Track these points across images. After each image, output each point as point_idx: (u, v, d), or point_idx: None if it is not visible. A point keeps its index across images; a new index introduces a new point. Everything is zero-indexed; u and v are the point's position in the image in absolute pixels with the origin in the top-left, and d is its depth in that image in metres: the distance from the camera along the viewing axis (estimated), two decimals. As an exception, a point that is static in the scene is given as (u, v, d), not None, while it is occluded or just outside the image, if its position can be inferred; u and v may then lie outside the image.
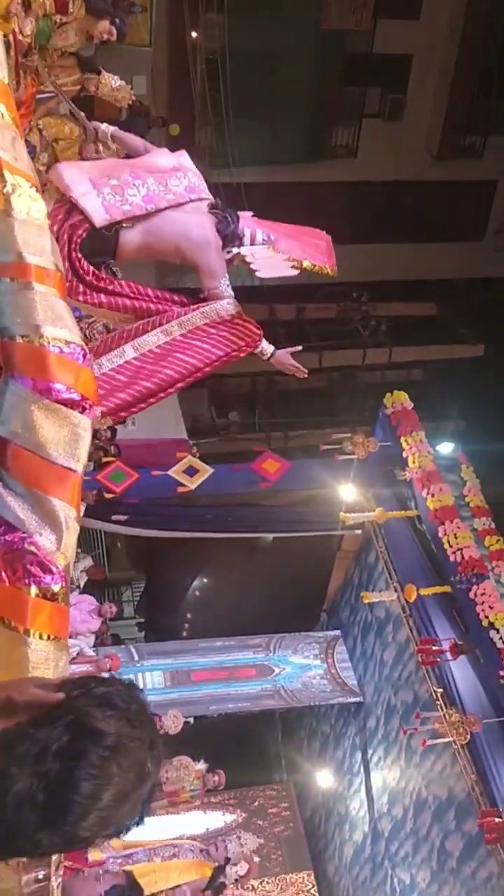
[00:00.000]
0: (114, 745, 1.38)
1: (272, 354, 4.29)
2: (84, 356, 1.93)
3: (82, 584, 10.02)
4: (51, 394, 1.88)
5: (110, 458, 9.69)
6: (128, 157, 4.77)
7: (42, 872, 2.08)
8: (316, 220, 4.74)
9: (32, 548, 1.88)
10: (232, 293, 4.18)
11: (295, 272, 4.24)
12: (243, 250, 4.21)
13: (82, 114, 4.74)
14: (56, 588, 1.91)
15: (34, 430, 1.87)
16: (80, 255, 3.87)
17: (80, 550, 10.47)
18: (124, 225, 3.94)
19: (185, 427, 11.91)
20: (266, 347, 4.26)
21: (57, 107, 7.09)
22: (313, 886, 10.86)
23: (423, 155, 15.46)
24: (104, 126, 4.36)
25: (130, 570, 15.13)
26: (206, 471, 9.78)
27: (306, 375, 4.49)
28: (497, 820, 7.36)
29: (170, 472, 9.71)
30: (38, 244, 1.94)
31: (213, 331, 4.09)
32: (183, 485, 9.67)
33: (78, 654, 8.87)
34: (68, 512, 1.91)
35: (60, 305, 1.95)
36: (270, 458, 10.20)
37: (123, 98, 7.38)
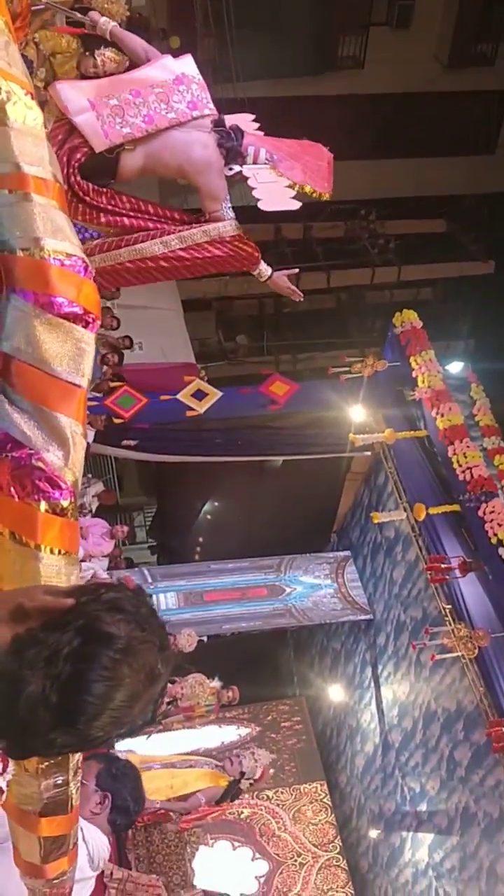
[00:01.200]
0: (124, 648, 1.41)
1: (269, 276, 4.23)
2: (85, 269, 1.89)
3: (94, 509, 10.11)
4: (53, 308, 1.84)
5: (118, 384, 9.67)
6: (130, 67, 4.61)
7: (61, 778, 2.14)
8: (322, 135, 4.60)
9: (40, 464, 1.88)
10: (233, 215, 4.12)
11: (297, 205, 4.18)
12: (245, 169, 4.12)
13: (78, 14, 4.58)
14: (65, 503, 1.91)
15: (37, 346, 1.84)
16: (79, 179, 3.81)
17: (90, 476, 10.54)
18: (126, 147, 3.86)
19: (192, 351, 11.83)
20: (264, 269, 4.23)
21: (53, 19, 6.84)
22: (326, 796, 11.25)
23: (433, 64, 14.93)
24: (103, 19, 4.21)
25: (142, 494, 15.24)
26: (215, 394, 9.77)
27: (301, 298, 4.48)
28: (504, 730, 7.55)
29: (178, 397, 9.71)
30: (35, 154, 1.88)
31: (212, 249, 4.05)
32: (192, 409, 9.68)
33: (92, 577, 8.99)
34: (74, 427, 1.90)
35: (60, 217, 1.90)
36: (279, 381, 10.17)
37: (117, 12, 7.12)
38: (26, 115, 1.88)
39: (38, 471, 1.87)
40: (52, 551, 1.90)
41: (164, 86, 3.93)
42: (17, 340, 1.86)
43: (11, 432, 1.88)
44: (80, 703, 1.39)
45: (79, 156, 3.76)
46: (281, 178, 4.12)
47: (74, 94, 3.78)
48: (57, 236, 1.87)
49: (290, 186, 4.12)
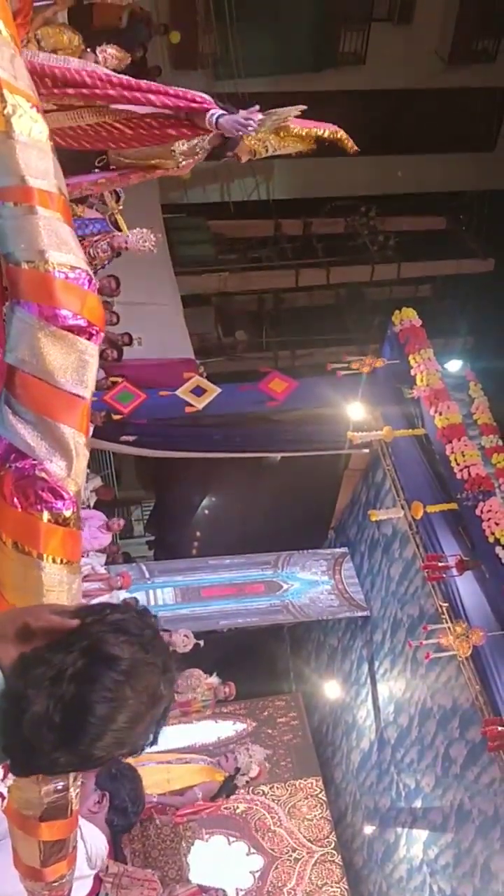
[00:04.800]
0: (128, 670, 1.43)
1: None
2: (90, 281, 1.91)
3: (92, 505, 10.12)
4: (57, 320, 1.86)
5: (117, 379, 9.67)
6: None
7: (61, 783, 2.16)
8: (322, 131, 4.60)
9: (43, 474, 1.89)
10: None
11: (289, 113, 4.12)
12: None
13: None
14: (67, 513, 1.92)
15: (41, 357, 1.86)
16: None
17: (89, 471, 10.52)
18: None
19: (191, 346, 11.83)
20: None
21: (55, 16, 6.84)
22: (321, 791, 11.29)
23: (434, 60, 14.91)
24: None
25: (140, 489, 15.26)
26: (214, 391, 9.77)
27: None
28: (500, 728, 7.58)
29: (177, 393, 9.71)
30: (40, 167, 1.89)
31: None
32: (190, 405, 9.69)
33: (90, 572, 9.01)
34: (77, 438, 1.92)
35: (65, 230, 1.91)
36: (277, 378, 10.18)
37: None
38: (32, 128, 1.89)
39: (41, 481, 1.89)
40: (54, 560, 1.92)
41: None
42: (22, 352, 1.87)
43: (15, 443, 1.90)
44: (83, 724, 1.40)
45: None
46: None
47: None
48: (61, 249, 1.88)
49: (301, 134, 4.10)
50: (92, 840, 3.07)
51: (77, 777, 2.26)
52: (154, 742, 1.52)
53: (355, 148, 4.25)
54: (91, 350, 1.92)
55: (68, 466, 1.92)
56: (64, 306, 1.87)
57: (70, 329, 1.88)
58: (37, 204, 1.87)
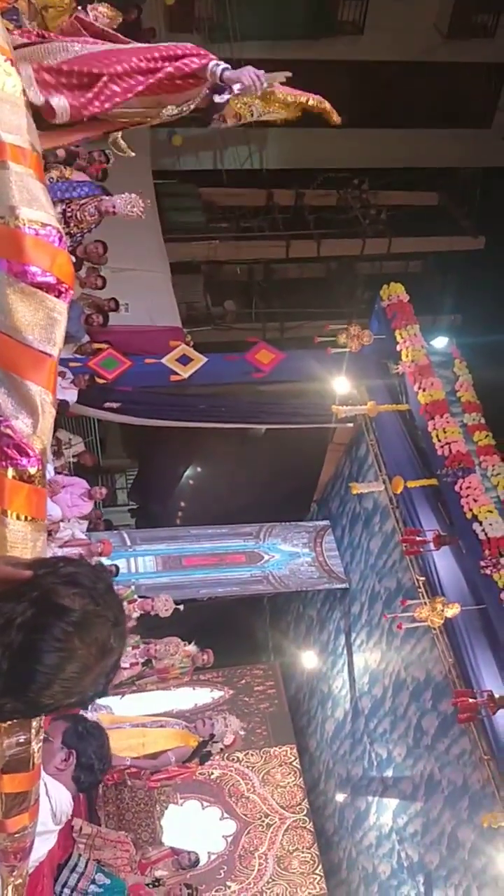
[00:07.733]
0: (78, 621, 1.44)
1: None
2: (60, 239, 1.90)
3: (73, 470, 10.08)
4: (26, 277, 1.86)
5: (102, 345, 9.61)
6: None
7: (23, 737, 2.18)
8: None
9: (9, 431, 1.90)
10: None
11: (275, 79, 3.98)
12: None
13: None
14: (33, 470, 1.94)
15: (10, 314, 1.86)
16: None
17: (72, 436, 10.52)
18: None
19: (179, 315, 11.77)
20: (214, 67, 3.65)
21: (47, -28, 6.74)
22: (295, 759, 11.44)
23: (432, 33, 14.73)
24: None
25: (125, 457, 15.22)
26: (200, 360, 9.73)
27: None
28: (470, 700, 7.69)
29: (163, 361, 9.67)
30: (13, 122, 1.88)
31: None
32: (176, 373, 9.65)
33: (70, 538, 9.01)
34: (44, 396, 1.92)
35: (36, 186, 1.90)
36: (265, 349, 10.14)
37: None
38: (5, 82, 1.88)
39: (6, 438, 1.90)
40: (18, 517, 1.93)
41: None
42: (-10, 308, 1.87)
43: (-19, 399, 1.90)
44: (31, 672, 1.42)
45: None
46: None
47: None
48: (32, 205, 1.88)
49: (286, 101, 4.01)
50: (57, 796, 3.11)
51: (39, 731, 2.28)
52: (104, 694, 1.54)
53: (338, 120, 4.15)
54: (60, 308, 1.92)
55: (34, 424, 1.93)
56: (33, 263, 1.87)
57: (39, 286, 1.88)
58: (9, 159, 1.87)
